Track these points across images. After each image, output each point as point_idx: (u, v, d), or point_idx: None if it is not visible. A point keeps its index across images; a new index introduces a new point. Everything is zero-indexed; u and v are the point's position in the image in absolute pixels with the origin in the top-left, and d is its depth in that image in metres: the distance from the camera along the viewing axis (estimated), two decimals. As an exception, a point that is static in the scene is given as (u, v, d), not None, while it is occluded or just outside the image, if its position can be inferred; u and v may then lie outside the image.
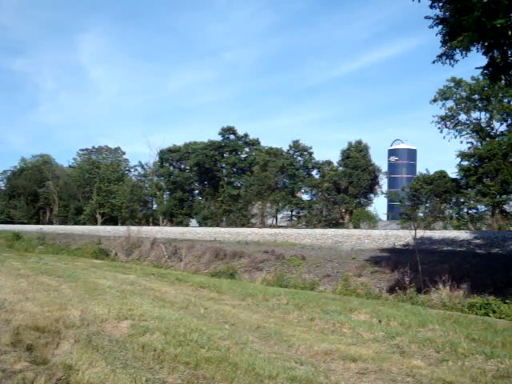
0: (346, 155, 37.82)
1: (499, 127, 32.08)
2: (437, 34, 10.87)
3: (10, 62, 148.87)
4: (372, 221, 35.79)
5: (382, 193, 40.73)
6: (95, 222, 57.25)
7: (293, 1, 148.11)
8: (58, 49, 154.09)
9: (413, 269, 13.70)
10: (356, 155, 37.12)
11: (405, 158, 70.30)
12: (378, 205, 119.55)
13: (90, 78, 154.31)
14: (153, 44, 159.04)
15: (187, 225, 47.61)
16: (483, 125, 32.49)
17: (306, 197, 42.19)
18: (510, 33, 8.96)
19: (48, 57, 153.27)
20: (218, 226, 41.83)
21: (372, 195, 38.78)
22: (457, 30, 9.95)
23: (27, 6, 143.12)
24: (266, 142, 50.10)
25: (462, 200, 32.21)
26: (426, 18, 10.94)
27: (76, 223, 57.09)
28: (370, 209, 38.90)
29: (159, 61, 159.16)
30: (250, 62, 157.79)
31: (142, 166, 58.54)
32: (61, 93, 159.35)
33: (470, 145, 32.76)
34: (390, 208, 51.53)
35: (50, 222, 63.05)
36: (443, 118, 33.39)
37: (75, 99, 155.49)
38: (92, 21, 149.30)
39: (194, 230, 34.46)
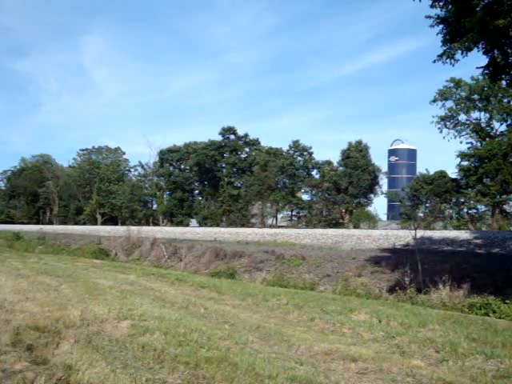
0: (346, 155, 37.80)
1: (499, 127, 32.14)
2: (437, 34, 10.88)
3: (14, 63, 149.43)
4: (372, 221, 35.75)
5: (382, 193, 40.72)
6: (95, 222, 57.23)
7: (295, 3, 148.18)
8: (61, 50, 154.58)
9: (413, 269, 13.69)
10: (356, 155, 37.10)
11: (405, 158, 70.29)
12: (378, 205, 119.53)
13: (92, 79, 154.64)
14: (155, 45, 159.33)
15: (187, 225, 47.59)
16: (483, 125, 32.51)
17: (306, 197, 42.20)
18: (511, 33, 8.96)
19: (51, 58, 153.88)
20: (218, 225, 41.81)
21: (372, 195, 38.76)
22: (458, 31, 9.96)
23: (30, 8, 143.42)
24: (266, 143, 50.16)
25: (462, 200, 32.20)
26: (427, 17, 10.96)
27: (76, 223, 57.08)
28: (370, 209, 38.90)
29: (161, 62, 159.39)
30: (251, 64, 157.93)
31: (142, 166, 58.56)
32: (63, 94, 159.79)
33: (469, 145, 32.82)
34: (390, 208, 51.54)
35: (50, 222, 63.02)
36: (443, 118, 33.42)
37: (77, 100, 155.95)
38: (95, 23, 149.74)
39: (194, 230, 34.45)
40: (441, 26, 10.85)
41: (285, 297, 10.58)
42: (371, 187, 37.93)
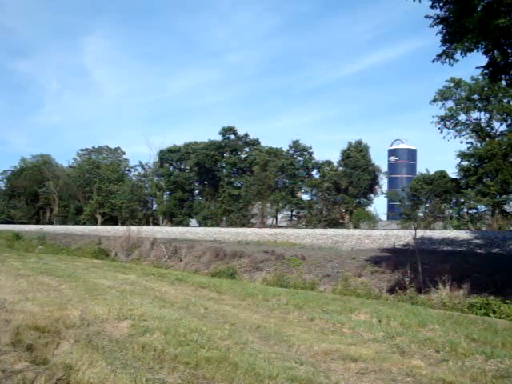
0: (346, 155, 37.82)
1: (499, 127, 32.15)
2: (437, 34, 10.87)
3: (15, 63, 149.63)
4: (372, 221, 35.78)
5: (382, 193, 40.79)
6: (95, 222, 57.22)
7: (295, 3, 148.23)
8: (62, 51, 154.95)
9: (413, 269, 13.69)
10: (356, 155, 37.12)
11: (405, 158, 70.32)
12: (378, 205, 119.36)
13: (93, 80, 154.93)
14: (156, 46, 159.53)
15: (187, 225, 47.59)
16: (483, 125, 32.51)
17: (306, 197, 42.25)
18: None
19: (52, 59, 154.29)
20: (218, 225, 41.82)
21: (372, 195, 38.82)
22: (458, 31, 9.95)
23: (31, 9, 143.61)
24: (266, 143, 50.16)
25: (462, 200, 32.21)
26: (426, 17, 10.95)
27: (76, 223, 57.06)
28: (370, 209, 38.97)
29: (162, 62, 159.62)
30: (252, 64, 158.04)
31: (142, 166, 58.58)
32: (64, 94, 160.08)
33: (469, 145, 32.82)
34: (390, 208, 51.53)
35: (50, 222, 63.01)
36: (443, 118, 33.42)
37: (78, 100, 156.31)
38: (96, 23, 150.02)
39: (194, 230, 34.45)
40: (440, 26, 10.84)
41: (285, 297, 10.57)
42: (371, 187, 37.96)
